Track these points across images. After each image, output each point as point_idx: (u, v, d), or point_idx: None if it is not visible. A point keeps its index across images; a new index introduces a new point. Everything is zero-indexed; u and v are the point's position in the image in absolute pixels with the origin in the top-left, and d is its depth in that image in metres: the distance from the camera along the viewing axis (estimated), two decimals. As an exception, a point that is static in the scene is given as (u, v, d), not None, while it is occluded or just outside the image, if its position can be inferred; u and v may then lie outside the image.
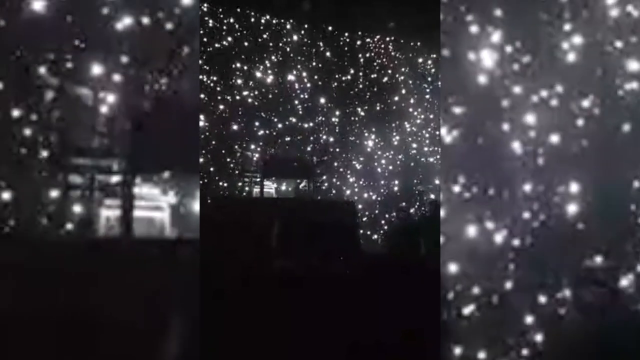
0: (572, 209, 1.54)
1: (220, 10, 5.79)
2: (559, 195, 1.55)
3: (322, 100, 6.22)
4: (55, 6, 1.39)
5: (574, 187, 1.53)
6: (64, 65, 1.35)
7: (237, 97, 5.79)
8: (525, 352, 1.58)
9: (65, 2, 1.40)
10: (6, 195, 1.31)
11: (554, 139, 1.52)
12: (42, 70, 1.33)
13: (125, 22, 1.54)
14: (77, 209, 1.44)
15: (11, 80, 1.31)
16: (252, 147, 5.81)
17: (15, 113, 1.30)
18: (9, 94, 1.30)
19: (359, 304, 2.13)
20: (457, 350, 1.58)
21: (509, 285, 1.59)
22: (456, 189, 1.59)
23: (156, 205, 1.52)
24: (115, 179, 1.50)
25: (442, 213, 1.63)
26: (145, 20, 1.56)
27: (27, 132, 1.31)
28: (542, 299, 1.58)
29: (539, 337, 1.57)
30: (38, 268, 1.35)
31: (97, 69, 1.41)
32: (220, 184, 5.64)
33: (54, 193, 1.40)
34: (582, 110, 1.51)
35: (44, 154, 1.34)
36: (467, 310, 1.60)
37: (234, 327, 1.83)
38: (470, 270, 1.60)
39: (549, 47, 1.54)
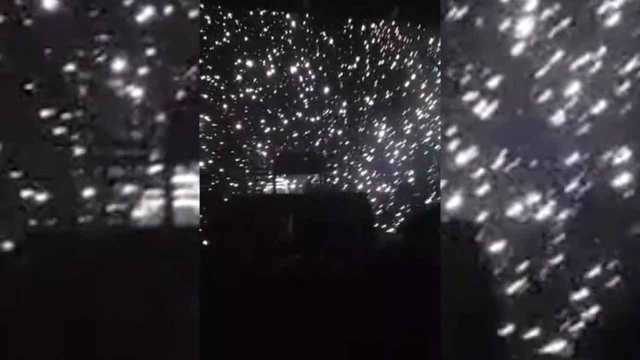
0: (620, 176, 1.54)
1: (219, 7, 5.78)
2: (605, 163, 1.54)
3: (328, 92, 6.21)
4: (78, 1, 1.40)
5: (621, 154, 1.52)
6: (93, 61, 1.37)
7: (241, 95, 5.79)
8: (578, 326, 1.57)
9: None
10: (42, 197, 1.33)
11: (598, 105, 1.52)
12: (72, 67, 1.35)
13: (147, 13, 1.55)
14: (119, 201, 1.47)
15: (43, 80, 1.33)
16: (260, 145, 5.83)
17: (47, 112, 1.33)
18: (42, 94, 1.33)
19: (374, 300, 2.13)
20: (508, 329, 1.58)
21: (557, 259, 1.59)
22: (499, 162, 1.59)
23: (195, 193, 1.55)
24: (154, 169, 1.53)
25: (482, 190, 1.62)
26: (168, 10, 1.57)
27: (62, 128, 1.34)
28: (593, 271, 1.57)
29: (592, 311, 1.57)
30: (80, 263, 1.39)
31: (126, 62, 1.42)
32: (231, 184, 5.66)
33: (94, 186, 1.43)
34: (626, 73, 1.50)
35: (81, 149, 1.36)
36: (514, 287, 1.60)
37: (237, 325, 1.87)
38: (516, 247, 1.60)
39: (588, 8, 1.53)
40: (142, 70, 1.53)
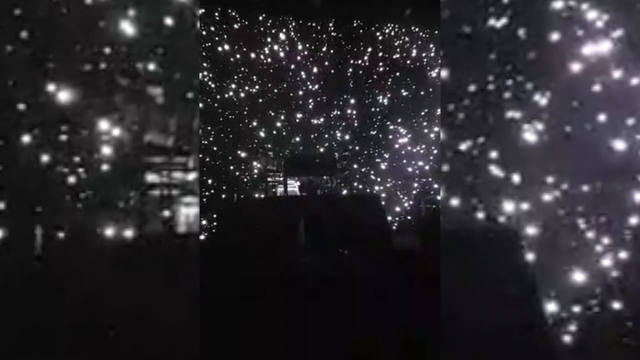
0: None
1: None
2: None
3: (336, 91, 6.22)
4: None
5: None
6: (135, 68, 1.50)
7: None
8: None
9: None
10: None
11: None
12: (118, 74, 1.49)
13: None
14: (156, 208, 1.61)
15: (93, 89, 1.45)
16: (268, 146, 5.87)
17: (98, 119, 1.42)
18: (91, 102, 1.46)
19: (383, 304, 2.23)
20: None
21: (616, 305, 1.57)
22: (546, 196, 1.58)
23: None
24: (192, 176, 1.65)
25: (530, 229, 1.61)
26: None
27: (108, 136, 1.47)
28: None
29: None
30: (121, 269, 1.53)
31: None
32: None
33: (132, 194, 1.57)
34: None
35: (120, 154, 1.50)
36: (567, 336, 1.58)
37: (233, 330, 2.00)
38: (567, 288, 1.58)
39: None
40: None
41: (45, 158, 1.44)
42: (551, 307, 1.60)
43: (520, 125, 1.61)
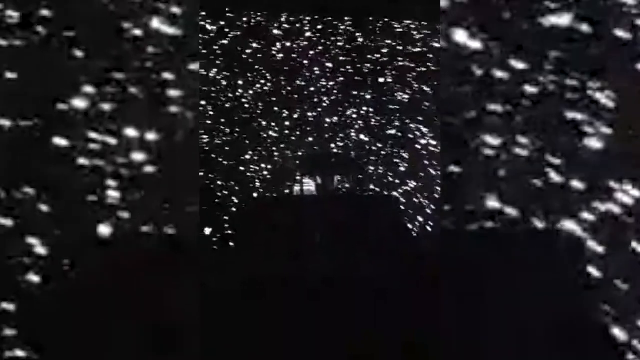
0: None
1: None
2: None
3: (351, 87, 6.19)
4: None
5: None
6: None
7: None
8: None
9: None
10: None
11: None
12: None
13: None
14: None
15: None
16: (282, 145, 5.87)
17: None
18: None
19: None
20: None
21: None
22: (610, 205, 1.54)
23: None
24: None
25: (593, 240, 1.58)
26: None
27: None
28: None
29: None
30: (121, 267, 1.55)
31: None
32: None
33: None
34: None
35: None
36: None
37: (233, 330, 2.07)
38: (633, 306, 1.55)
39: None
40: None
41: (82, 159, 1.45)
42: (613, 326, 1.57)
43: (583, 128, 1.58)
